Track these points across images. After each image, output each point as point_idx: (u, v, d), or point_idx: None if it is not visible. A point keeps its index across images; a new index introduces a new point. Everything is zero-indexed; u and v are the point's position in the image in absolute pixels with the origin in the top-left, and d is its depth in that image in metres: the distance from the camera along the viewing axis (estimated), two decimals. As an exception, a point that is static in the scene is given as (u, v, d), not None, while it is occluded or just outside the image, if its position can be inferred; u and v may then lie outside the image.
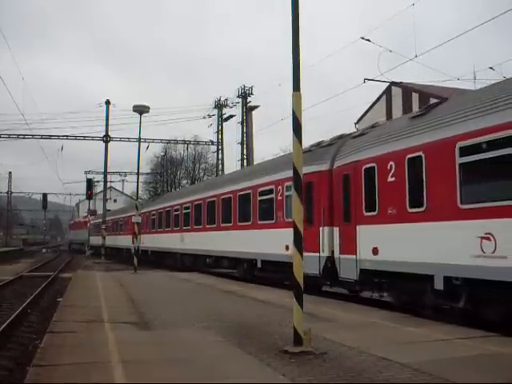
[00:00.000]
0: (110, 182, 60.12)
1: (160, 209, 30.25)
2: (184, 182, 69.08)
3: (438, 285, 9.01)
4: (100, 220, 49.45)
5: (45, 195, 77.30)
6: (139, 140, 26.52)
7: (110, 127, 41.95)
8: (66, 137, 43.00)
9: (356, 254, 11.58)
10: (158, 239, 29.81)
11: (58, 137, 42.72)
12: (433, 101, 28.75)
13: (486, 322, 8.32)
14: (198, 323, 8.66)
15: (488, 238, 8.11)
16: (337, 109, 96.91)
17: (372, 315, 9.51)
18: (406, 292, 10.51)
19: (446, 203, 8.95)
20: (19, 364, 7.51)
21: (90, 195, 46.52)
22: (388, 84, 34.10)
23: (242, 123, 40.75)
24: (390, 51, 21.30)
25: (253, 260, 17.28)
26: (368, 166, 11.36)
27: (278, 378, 5.28)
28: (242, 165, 39.40)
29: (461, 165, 8.68)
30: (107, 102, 41.89)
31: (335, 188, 12.84)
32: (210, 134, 47.44)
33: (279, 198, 15.62)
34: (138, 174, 28.60)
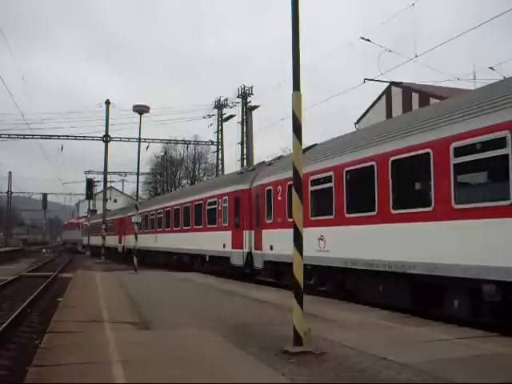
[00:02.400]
0: (110, 182, 60.24)
1: (139, 213, 32.71)
2: (184, 181, 69.17)
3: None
4: (93, 221, 54.83)
5: (45, 195, 77.37)
6: (139, 140, 26.53)
7: (109, 127, 42.03)
8: (66, 137, 43.03)
9: (262, 250, 16.80)
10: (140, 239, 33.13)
11: (58, 137, 42.77)
12: (433, 101, 28.86)
13: (486, 322, 8.32)
14: (198, 323, 8.66)
15: (321, 239, 13.01)
16: (337, 109, 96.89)
17: (372, 315, 9.52)
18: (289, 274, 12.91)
19: (305, 216, 11.83)
20: (19, 364, 7.51)
21: (89, 195, 46.65)
22: (388, 84, 34.08)
23: (241, 123, 40.78)
24: (390, 51, 21.30)
25: (204, 255, 22.11)
26: (268, 188, 16.43)
27: (278, 378, 5.28)
28: (241, 165, 39.42)
29: (312, 192, 13.61)
30: (107, 102, 41.89)
31: (252, 202, 17.87)
32: (210, 134, 47.55)
33: (219, 208, 20.59)
34: (138, 174, 28.63)
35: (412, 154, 10.02)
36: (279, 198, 15.50)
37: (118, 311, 10.27)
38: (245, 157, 40.09)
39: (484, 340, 7.16)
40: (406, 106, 33.76)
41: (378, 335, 7.65)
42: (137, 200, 30.38)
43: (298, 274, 6.56)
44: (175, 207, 27.20)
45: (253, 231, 17.67)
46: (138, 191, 32.22)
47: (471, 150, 8.64)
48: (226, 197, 19.90)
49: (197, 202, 23.36)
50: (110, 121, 41.79)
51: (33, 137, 41.36)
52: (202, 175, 67.29)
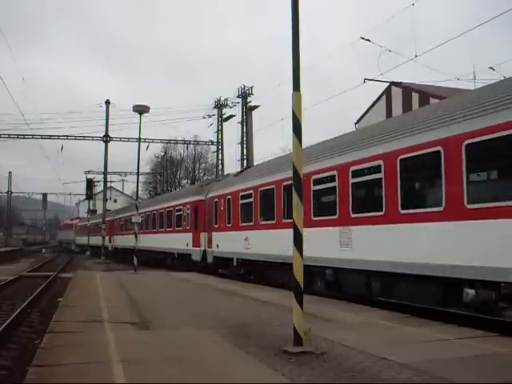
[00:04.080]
0: (110, 181, 60.25)
1: (126, 216, 38.39)
2: (184, 181, 69.17)
3: (235, 262, 18.69)
4: (86, 223, 59.13)
5: (45, 195, 77.31)
6: (139, 140, 26.55)
7: (109, 127, 42.02)
8: (66, 137, 42.98)
9: (212, 248, 21.12)
10: (124, 239, 37.99)
11: (58, 137, 42.72)
12: (433, 101, 28.88)
13: (486, 322, 8.32)
14: (198, 323, 8.66)
15: (246, 239, 17.28)
16: (337, 109, 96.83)
17: (372, 315, 9.51)
18: (230, 267, 19.40)
19: (237, 222, 18.42)
20: (19, 364, 7.50)
21: (89, 195, 46.62)
22: (388, 84, 34.08)
23: (241, 123, 40.74)
24: (390, 51, 21.28)
25: (174, 253, 26.52)
26: (215, 200, 20.84)
27: (278, 378, 5.28)
28: (241, 165, 39.40)
29: (242, 205, 17.98)
30: (107, 102, 41.90)
31: (206, 210, 22.10)
32: (209, 134, 47.53)
33: (184, 214, 25.16)
34: (138, 174, 28.66)
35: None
36: (222, 208, 19.99)
37: (118, 311, 10.27)
38: (245, 157, 40.04)
39: (484, 340, 7.16)
40: (406, 106, 33.76)
41: (377, 335, 7.65)
42: (137, 200, 30.43)
43: (298, 274, 6.56)
44: (153, 212, 31.39)
45: (206, 233, 21.92)
46: (137, 191, 32.28)
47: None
48: (189, 205, 24.52)
49: (168, 209, 27.92)
50: (109, 121, 41.85)
51: (33, 137, 41.34)
52: (202, 175, 67.34)
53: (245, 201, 17.65)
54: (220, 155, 44.12)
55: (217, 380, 5.24)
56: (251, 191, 17.08)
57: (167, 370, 5.57)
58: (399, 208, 10.08)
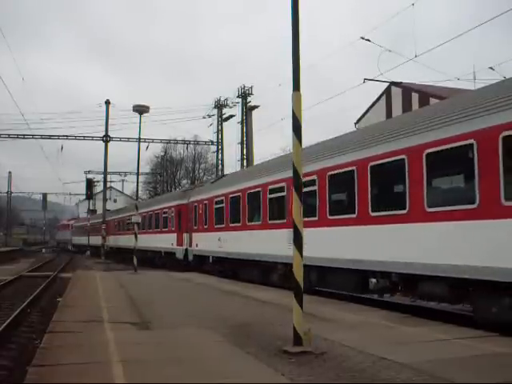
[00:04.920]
0: (110, 181, 60.28)
1: (119, 218, 42.01)
2: (184, 181, 69.15)
3: (211, 260, 21.28)
4: (81, 223, 62.02)
5: (45, 195, 77.35)
6: (139, 140, 26.57)
7: (109, 127, 42.00)
8: (66, 137, 42.97)
9: (192, 247, 23.71)
10: (117, 239, 41.28)
11: (58, 137, 42.71)
12: (433, 101, 28.87)
13: (486, 322, 8.33)
14: (198, 323, 8.66)
15: (220, 240, 19.48)
16: (337, 109, 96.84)
17: (372, 315, 9.52)
18: (208, 263, 21.75)
19: (212, 224, 20.79)
20: (19, 364, 7.50)
21: (89, 195, 46.61)
22: (388, 84, 34.07)
23: (241, 123, 40.75)
24: (390, 51, 21.27)
25: (161, 252, 28.81)
26: (195, 204, 23.38)
27: (278, 378, 5.28)
28: (241, 165, 39.41)
29: (216, 209, 20.41)
30: (107, 102, 41.87)
31: (188, 213, 24.52)
32: (209, 134, 47.54)
33: (170, 216, 27.69)
34: (137, 174, 28.70)
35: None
36: (200, 212, 22.61)
37: (118, 311, 10.27)
38: (245, 157, 40.07)
39: (484, 340, 7.16)
40: (406, 106, 33.76)
41: (377, 335, 7.65)
42: (136, 200, 30.44)
43: (298, 274, 6.56)
44: (143, 214, 32.61)
45: (188, 234, 24.35)
46: (137, 191, 32.34)
47: None
48: (173, 208, 27.03)
49: (157, 211, 30.23)
50: (109, 121, 41.82)
51: (33, 137, 41.31)
52: (201, 175, 67.32)
53: (218, 206, 20.11)
54: (220, 155, 44.15)
55: (217, 380, 5.24)
56: (223, 197, 19.59)
57: (167, 370, 5.58)
58: (327, 215, 12.37)
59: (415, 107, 31.57)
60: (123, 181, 67.32)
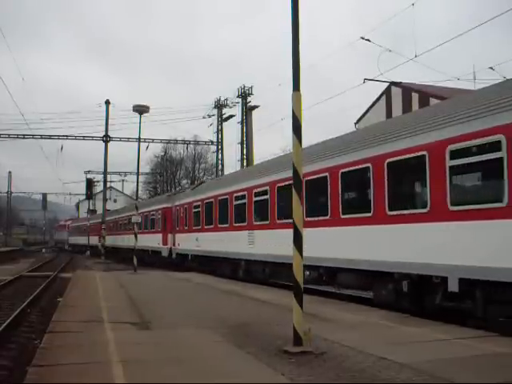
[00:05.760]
0: (110, 181, 60.25)
1: (113, 219, 44.07)
2: (184, 181, 69.13)
3: (190, 257, 24.13)
4: (77, 224, 64.31)
5: (45, 195, 77.36)
6: (139, 140, 26.56)
7: (109, 127, 41.98)
8: (66, 137, 42.96)
9: (175, 246, 26.34)
10: (112, 239, 42.33)
11: (58, 137, 42.70)
12: (433, 101, 28.87)
13: (486, 322, 8.33)
14: (198, 323, 8.66)
15: (197, 240, 22.18)
16: (337, 109, 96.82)
17: (371, 315, 9.52)
18: (188, 261, 24.34)
19: (191, 226, 23.51)
20: (19, 364, 7.50)
21: (89, 195, 46.59)
22: (388, 84, 34.06)
23: (241, 123, 40.75)
24: (390, 51, 21.25)
25: (149, 250, 31.05)
26: (177, 207, 26.17)
27: (278, 378, 5.28)
28: (241, 165, 39.40)
29: (194, 213, 23.02)
30: (107, 102, 41.84)
31: (172, 215, 27.18)
32: (209, 134, 47.52)
33: (156, 218, 30.26)
34: (137, 174, 28.70)
35: None
36: (181, 215, 25.29)
37: (118, 311, 10.27)
38: (245, 157, 40.06)
39: (484, 340, 7.16)
40: (406, 106, 33.76)
41: (377, 335, 7.65)
42: (136, 200, 30.44)
43: (298, 274, 6.56)
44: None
45: (172, 234, 26.93)
46: (137, 191, 32.33)
47: None
48: (160, 211, 29.59)
49: (145, 213, 32.38)
50: (109, 121, 41.80)
51: (33, 137, 41.29)
52: (201, 175, 67.31)
53: (196, 210, 22.95)
54: (220, 155, 44.16)
55: (217, 380, 5.24)
56: (199, 203, 22.29)
57: (167, 370, 5.58)
58: (276, 219, 14.70)
59: (415, 107, 31.57)
60: (123, 181, 67.34)
